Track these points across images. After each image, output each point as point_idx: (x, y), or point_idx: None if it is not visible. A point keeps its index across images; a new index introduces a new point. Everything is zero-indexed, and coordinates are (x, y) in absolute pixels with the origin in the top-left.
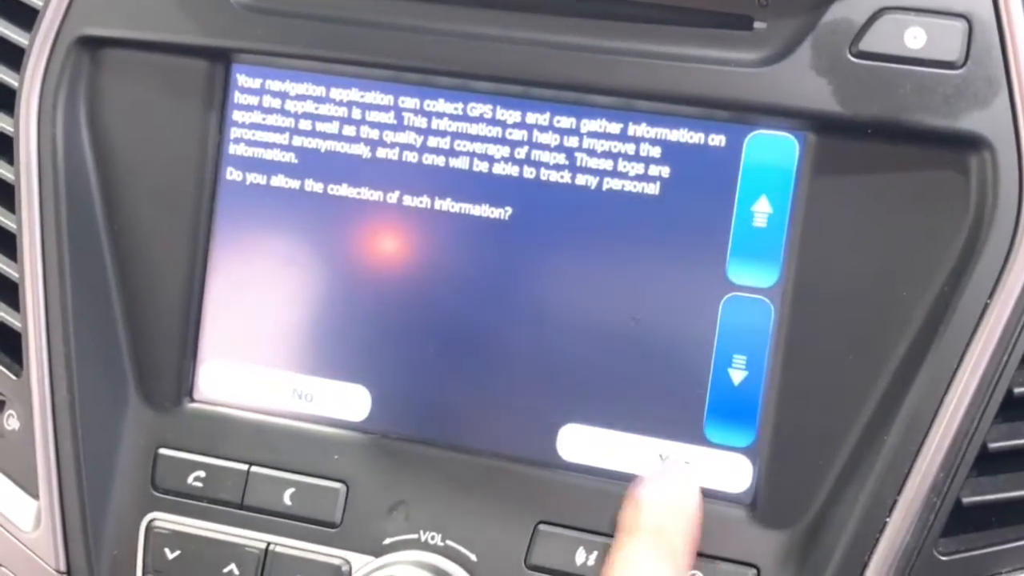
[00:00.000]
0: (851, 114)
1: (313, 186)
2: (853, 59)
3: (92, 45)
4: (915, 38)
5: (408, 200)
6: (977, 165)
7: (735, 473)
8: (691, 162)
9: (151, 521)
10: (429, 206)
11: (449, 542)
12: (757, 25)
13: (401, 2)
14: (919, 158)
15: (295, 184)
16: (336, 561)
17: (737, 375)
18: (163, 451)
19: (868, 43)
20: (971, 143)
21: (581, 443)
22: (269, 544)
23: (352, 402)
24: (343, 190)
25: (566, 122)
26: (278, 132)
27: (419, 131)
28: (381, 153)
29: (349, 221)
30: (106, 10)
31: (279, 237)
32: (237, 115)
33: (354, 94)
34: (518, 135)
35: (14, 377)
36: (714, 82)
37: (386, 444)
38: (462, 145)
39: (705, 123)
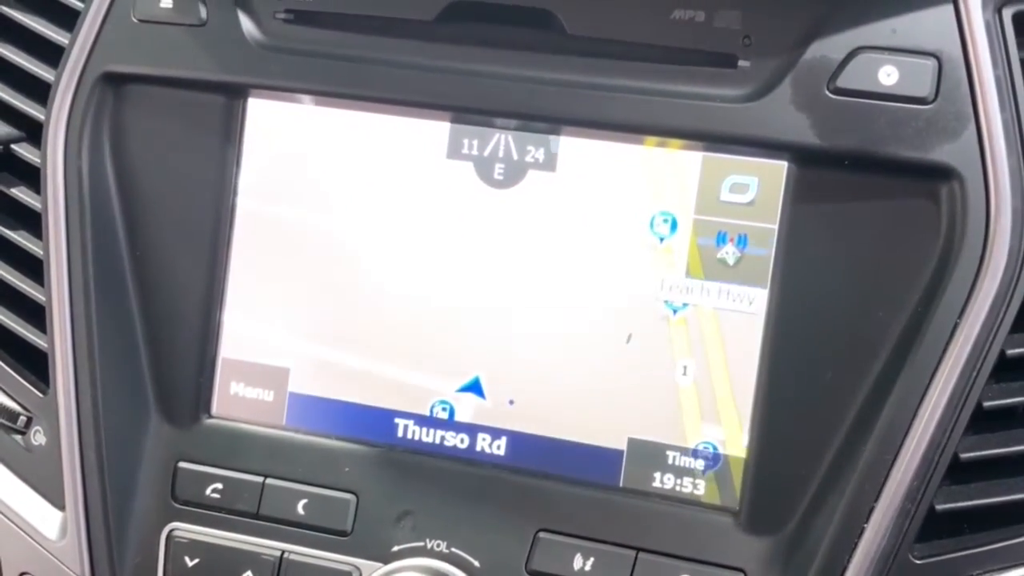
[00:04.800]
0: (829, 146)
1: (325, 215)
2: (831, 95)
3: (116, 81)
4: (888, 75)
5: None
6: (947, 194)
7: (723, 484)
8: None
9: (171, 531)
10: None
11: (454, 549)
12: (741, 63)
13: (405, 40)
14: (893, 188)
15: (308, 213)
16: (347, 568)
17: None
18: (182, 464)
19: (845, 80)
20: (941, 174)
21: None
22: (283, 552)
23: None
24: (355, 220)
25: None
26: (292, 163)
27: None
28: (388, 181)
29: (361, 247)
30: (129, 48)
31: (293, 262)
32: (252, 147)
33: (363, 126)
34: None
35: (40, 395)
36: (702, 116)
37: (394, 456)
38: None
39: None
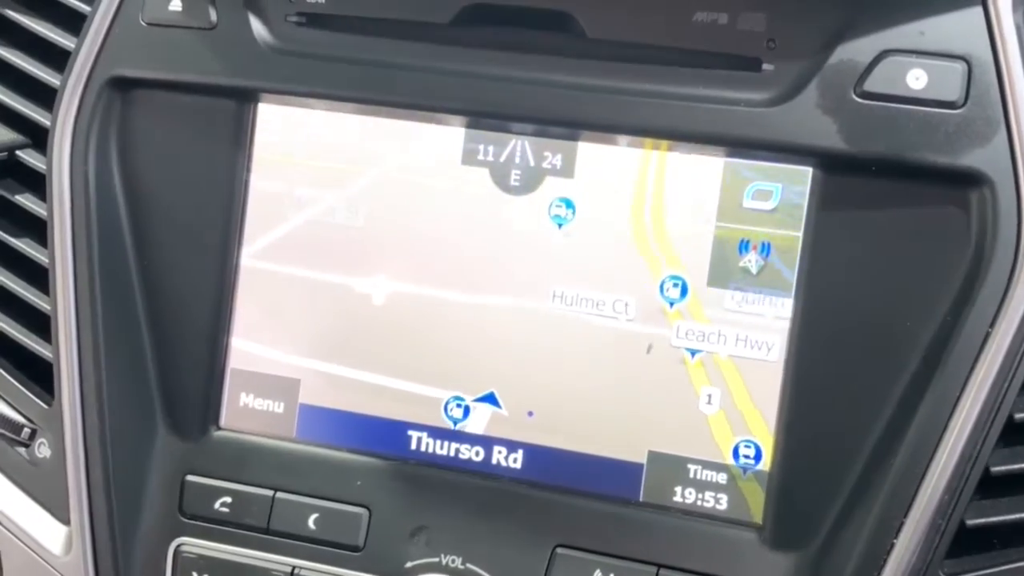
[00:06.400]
0: (856, 152)
1: (336, 222)
2: (858, 99)
3: (123, 85)
4: (917, 79)
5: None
6: (977, 200)
7: (747, 498)
8: None
9: (179, 546)
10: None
11: (469, 565)
12: (765, 67)
13: (420, 44)
14: (922, 194)
15: (319, 220)
16: None
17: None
18: (190, 478)
19: (872, 84)
20: (971, 179)
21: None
22: (294, 568)
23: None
24: (367, 227)
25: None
26: (302, 169)
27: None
28: (402, 187)
29: (374, 255)
30: (137, 52)
31: (304, 271)
32: (263, 152)
33: (375, 132)
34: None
35: (45, 406)
36: (725, 121)
37: (407, 469)
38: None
39: None
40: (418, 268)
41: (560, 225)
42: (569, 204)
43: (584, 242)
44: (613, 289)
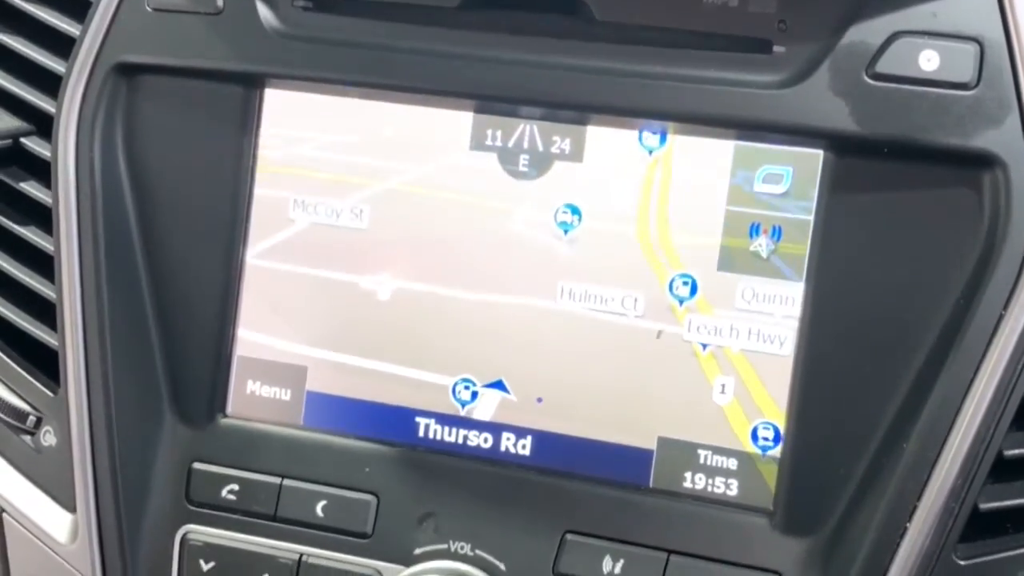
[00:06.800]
0: (868, 134)
1: (344, 209)
2: (870, 81)
3: (129, 71)
4: (929, 60)
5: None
6: (990, 182)
7: (758, 482)
8: None
9: (186, 534)
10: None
11: (478, 551)
12: (776, 48)
13: (428, 28)
14: (934, 176)
15: (326, 206)
16: (367, 571)
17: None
18: (197, 465)
19: (884, 65)
20: (984, 161)
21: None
22: (302, 555)
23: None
24: (374, 213)
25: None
26: (309, 155)
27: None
28: (409, 172)
29: (382, 241)
30: (143, 37)
31: (311, 257)
32: (269, 138)
33: (383, 117)
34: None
35: (51, 394)
36: (735, 103)
37: (416, 456)
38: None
39: None
40: (426, 261)
41: (566, 231)
42: (575, 211)
43: (590, 248)
44: (621, 289)
